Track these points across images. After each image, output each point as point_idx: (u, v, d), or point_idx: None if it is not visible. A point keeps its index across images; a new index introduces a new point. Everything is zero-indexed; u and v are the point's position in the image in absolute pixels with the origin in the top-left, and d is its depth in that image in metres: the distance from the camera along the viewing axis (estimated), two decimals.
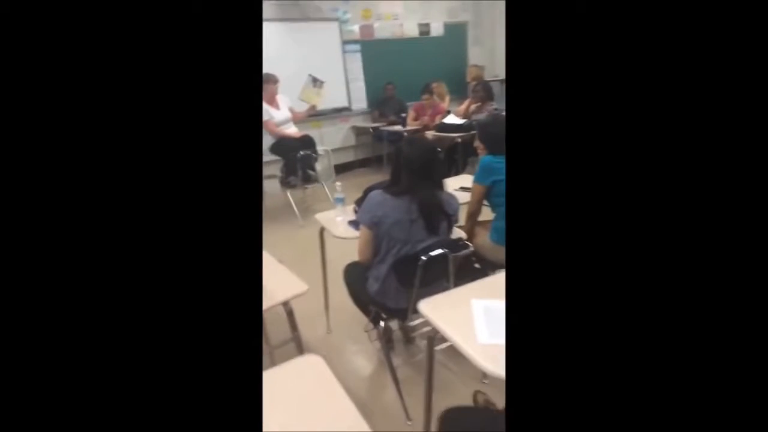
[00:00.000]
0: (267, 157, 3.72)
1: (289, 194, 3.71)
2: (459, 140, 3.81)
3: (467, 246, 1.47)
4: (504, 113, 3.24)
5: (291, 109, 3.71)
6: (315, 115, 4.24)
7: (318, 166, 3.76)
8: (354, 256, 1.58)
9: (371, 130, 4.92)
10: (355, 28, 4.93)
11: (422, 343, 1.91)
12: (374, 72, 5.08)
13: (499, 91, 4.90)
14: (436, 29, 5.52)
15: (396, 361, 1.79)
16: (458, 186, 2.10)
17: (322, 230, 1.89)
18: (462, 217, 1.72)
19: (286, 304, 1.22)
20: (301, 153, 3.49)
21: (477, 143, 1.84)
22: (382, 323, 1.60)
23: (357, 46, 4.98)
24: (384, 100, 5.06)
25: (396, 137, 4.35)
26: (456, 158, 3.94)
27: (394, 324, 1.94)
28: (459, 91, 5.31)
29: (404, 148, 1.48)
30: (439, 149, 2.26)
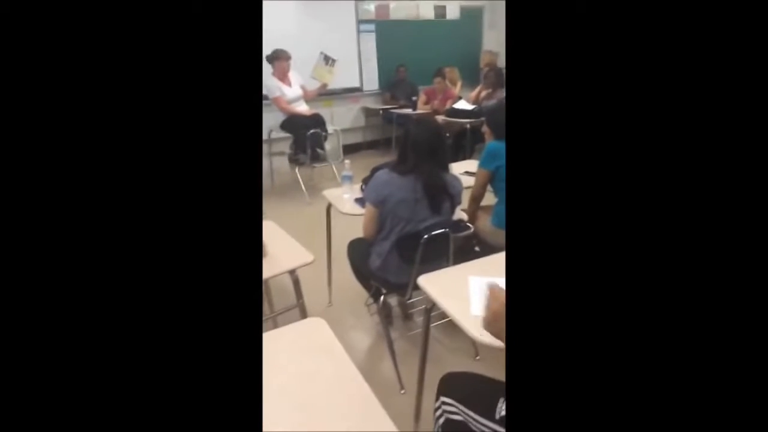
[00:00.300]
0: (277, 133, 3.77)
1: (297, 171, 3.76)
2: (468, 126, 3.82)
3: (468, 228, 1.52)
4: None
5: (303, 87, 3.73)
6: (326, 94, 4.25)
7: (327, 145, 3.79)
8: (357, 233, 1.64)
9: (381, 112, 4.93)
10: (371, 7, 4.88)
11: (419, 320, 1.98)
12: (387, 53, 5.06)
13: None
14: (452, 12, 5.46)
15: (393, 335, 1.86)
16: (464, 170, 2.14)
17: (329, 206, 1.94)
18: (466, 201, 1.77)
19: (292, 272, 1.29)
20: (311, 131, 3.52)
21: (484, 128, 1.87)
22: (381, 298, 1.67)
23: (372, 26, 4.95)
24: (396, 83, 5.04)
25: (405, 120, 4.35)
26: (464, 144, 3.96)
27: (393, 301, 2.01)
28: (472, 77, 5.26)
29: (412, 128, 1.52)
30: (447, 134, 2.29)
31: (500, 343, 0.69)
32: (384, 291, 1.65)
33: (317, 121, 3.63)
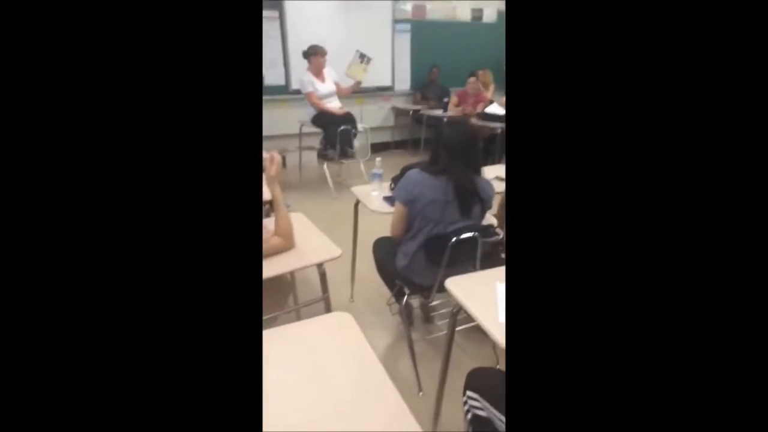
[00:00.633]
0: (308, 128, 3.81)
1: (325, 167, 3.79)
2: (499, 131, 3.77)
3: (497, 234, 1.50)
4: None
5: (337, 84, 3.76)
6: (358, 91, 4.27)
7: (356, 142, 3.81)
8: (383, 231, 1.64)
9: (411, 112, 4.92)
10: (408, 6, 4.88)
11: (440, 323, 1.96)
12: (421, 53, 5.04)
13: None
14: (489, 16, 5.39)
15: (413, 336, 1.85)
16: (495, 175, 2.11)
17: (357, 203, 1.95)
18: (496, 206, 1.74)
19: (320, 265, 1.29)
20: (342, 128, 3.54)
21: None
22: (405, 298, 1.66)
23: (407, 26, 4.94)
24: (428, 84, 5.02)
25: (436, 122, 4.33)
26: (494, 149, 3.91)
27: (414, 302, 2.00)
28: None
29: (445, 129, 1.51)
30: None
31: None
32: (407, 291, 1.64)
33: (348, 118, 3.66)
